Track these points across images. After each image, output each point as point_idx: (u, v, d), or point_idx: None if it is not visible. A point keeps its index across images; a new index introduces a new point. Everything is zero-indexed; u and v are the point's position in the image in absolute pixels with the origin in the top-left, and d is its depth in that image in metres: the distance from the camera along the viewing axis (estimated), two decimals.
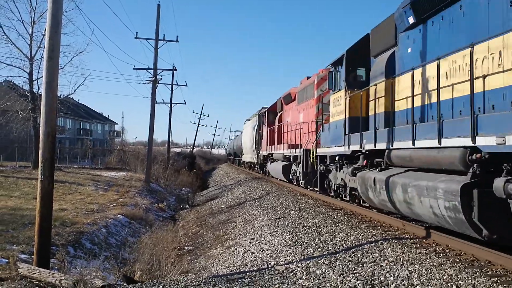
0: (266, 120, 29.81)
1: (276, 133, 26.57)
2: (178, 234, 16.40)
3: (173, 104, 47.83)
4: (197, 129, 77.04)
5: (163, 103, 45.52)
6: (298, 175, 19.59)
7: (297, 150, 19.32)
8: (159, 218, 20.12)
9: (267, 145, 28.47)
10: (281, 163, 22.55)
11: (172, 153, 55.28)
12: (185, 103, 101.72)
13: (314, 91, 18.62)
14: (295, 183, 20.76)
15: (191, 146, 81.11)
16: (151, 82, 31.57)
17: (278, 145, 24.75)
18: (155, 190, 28.99)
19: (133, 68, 33.25)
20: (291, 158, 20.44)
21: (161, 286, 7.21)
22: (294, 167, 20.53)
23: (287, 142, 22.05)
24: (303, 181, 18.34)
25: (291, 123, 22.41)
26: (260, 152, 31.80)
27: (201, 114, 75.84)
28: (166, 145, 53.57)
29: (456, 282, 6.21)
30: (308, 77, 20.49)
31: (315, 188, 17.02)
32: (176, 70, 40.09)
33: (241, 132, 52.55)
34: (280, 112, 26.75)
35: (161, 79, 32.85)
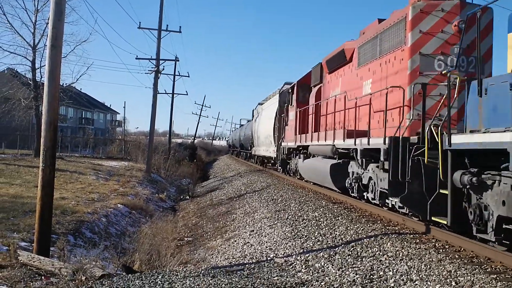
0: (294, 98, 21.27)
1: (312, 116, 18.20)
2: (178, 225, 16.44)
3: (175, 95, 47.87)
4: (199, 120, 77.40)
5: (165, 93, 45.52)
6: (368, 183, 11.75)
7: (373, 140, 11.15)
8: (159, 209, 20.18)
9: (296, 134, 19.94)
10: (327, 162, 14.65)
11: (173, 143, 55.31)
12: (187, 94, 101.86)
13: (406, 33, 10.68)
14: (355, 194, 12.80)
15: (192, 137, 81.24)
16: (154, 73, 31.61)
17: (318, 133, 16.41)
18: (156, 180, 29.04)
19: (136, 58, 33.41)
20: (357, 153, 12.13)
21: (160, 277, 7.23)
22: (355, 168, 12.76)
23: (341, 127, 14.26)
24: (395, 200, 9.85)
25: (348, 96, 13.88)
26: (283, 144, 23.28)
27: (202, 105, 75.96)
28: (168, 135, 53.59)
29: (455, 278, 6.21)
30: (381, 20, 12.72)
31: (433, 218, 8.63)
32: (178, 60, 40.09)
33: (248, 121, 49.10)
34: (319, 85, 18.25)
35: (163, 69, 32.97)
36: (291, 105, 22.18)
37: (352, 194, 13.09)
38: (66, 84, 34.39)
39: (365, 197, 12.19)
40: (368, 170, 11.66)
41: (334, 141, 14.08)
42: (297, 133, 19.77)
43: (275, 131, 26.22)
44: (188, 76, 47.86)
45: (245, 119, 60.33)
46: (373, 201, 11.55)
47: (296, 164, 20.49)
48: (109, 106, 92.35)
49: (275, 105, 27.08)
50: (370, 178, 11.54)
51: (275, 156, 26.07)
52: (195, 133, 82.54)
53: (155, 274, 7.50)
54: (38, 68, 30.50)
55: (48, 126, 8.81)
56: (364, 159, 11.93)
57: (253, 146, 36.60)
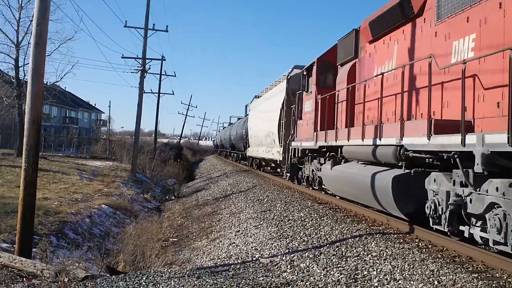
0: (313, 82, 16.05)
1: (344, 104, 13.19)
2: (163, 225, 16.38)
3: (161, 94, 47.62)
4: (185, 120, 77.15)
5: (151, 93, 45.27)
6: (484, 213, 6.86)
7: None
8: (144, 209, 20.07)
9: (316, 130, 14.97)
10: (382, 172, 9.82)
11: (159, 143, 55.07)
12: (173, 94, 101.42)
13: None
14: (443, 228, 7.95)
15: (178, 137, 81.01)
16: (140, 72, 31.45)
17: (363, 128, 10.78)
18: (141, 180, 28.89)
19: (122, 57, 33.26)
20: (475, 158, 6.70)
21: (144, 278, 7.18)
22: (445, 185, 7.84)
23: (407, 116, 9.60)
24: None
25: (415, 69, 9.60)
26: (294, 144, 17.91)
27: (189, 105, 75.95)
28: (153, 135, 53.32)
29: (438, 278, 6.27)
30: None
31: None
32: (165, 60, 39.92)
33: (239, 119, 46.18)
34: (352, 62, 13.39)
35: (149, 68, 32.85)
36: (306, 92, 16.95)
37: (435, 226, 8.12)
38: (50, 82, 34.12)
39: (467, 234, 7.38)
40: (486, 191, 6.74)
41: (401, 139, 8.89)
42: (318, 129, 14.72)
43: (280, 127, 21.03)
44: (175, 76, 47.83)
45: (235, 116, 56.80)
46: (494, 247, 6.70)
47: (314, 171, 15.71)
48: (94, 105, 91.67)
49: (281, 94, 21.76)
50: (493, 206, 6.65)
51: (281, 159, 20.72)
52: (181, 133, 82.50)
53: (140, 275, 7.44)
54: (22, 66, 30.19)
55: (31, 125, 8.71)
56: (474, 171, 6.92)
57: (248, 146, 31.74)
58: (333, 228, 9.96)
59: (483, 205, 6.81)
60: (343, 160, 12.87)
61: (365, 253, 7.90)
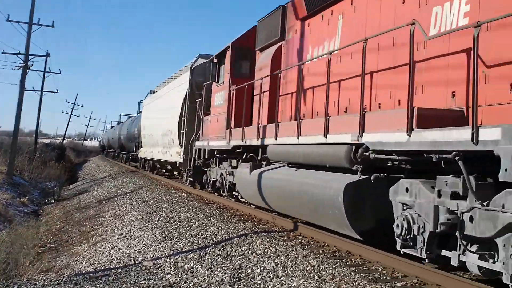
0: (226, 70, 13.86)
1: (264, 96, 11.30)
2: (40, 230, 15.34)
3: (44, 93, 44.79)
4: (69, 119, 73.24)
5: (33, 90, 42.36)
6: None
7: None
8: (20, 214, 18.67)
9: (230, 127, 12.74)
10: (329, 178, 7.79)
11: (40, 144, 51.63)
12: (57, 92, 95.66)
13: None
14: (419, 253, 5.92)
15: (62, 137, 76.78)
16: (21, 69, 29.42)
17: (298, 123, 8.73)
18: (18, 183, 26.89)
19: (2, 53, 31.19)
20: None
21: (16, 287, 6.72)
22: (424, 194, 5.80)
23: (358, 107, 7.17)
24: None
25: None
26: (199, 143, 15.58)
27: (74, 104, 72.12)
28: (34, 135, 49.90)
29: (318, 273, 6.46)
30: None
31: None
32: (49, 56, 37.65)
33: (129, 117, 43.39)
34: (277, 45, 11.37)
35: (32, 65, 30.90)
36: (217, 82, 14.77)
37: (405, 250, 6.17)
38: None
39: (455, 262, 5.43)
40: (502, 206, 4.75)
41: (361, 135, 6.82)
42: (232, 126, 12.56)
43: (182, 125, 18.32)
44: (60, 73, 44.77)
45: (126, 114, 53.12)
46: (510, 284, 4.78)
47: (223, 175, 13.48)
48: None
49: (183, 87, 18.92)
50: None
51: (181, 161, 18.18)
52: (65, 133, 78.01)
53: (11, 284, 6.97)
54: None
55: None
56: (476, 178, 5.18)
57: (141, 147, 28.98)
58: (219, 228, 9.92)
59: (495, 226, 4.80)
60: (264, 163, 10.82)
61: (250, 251, 7.94)
